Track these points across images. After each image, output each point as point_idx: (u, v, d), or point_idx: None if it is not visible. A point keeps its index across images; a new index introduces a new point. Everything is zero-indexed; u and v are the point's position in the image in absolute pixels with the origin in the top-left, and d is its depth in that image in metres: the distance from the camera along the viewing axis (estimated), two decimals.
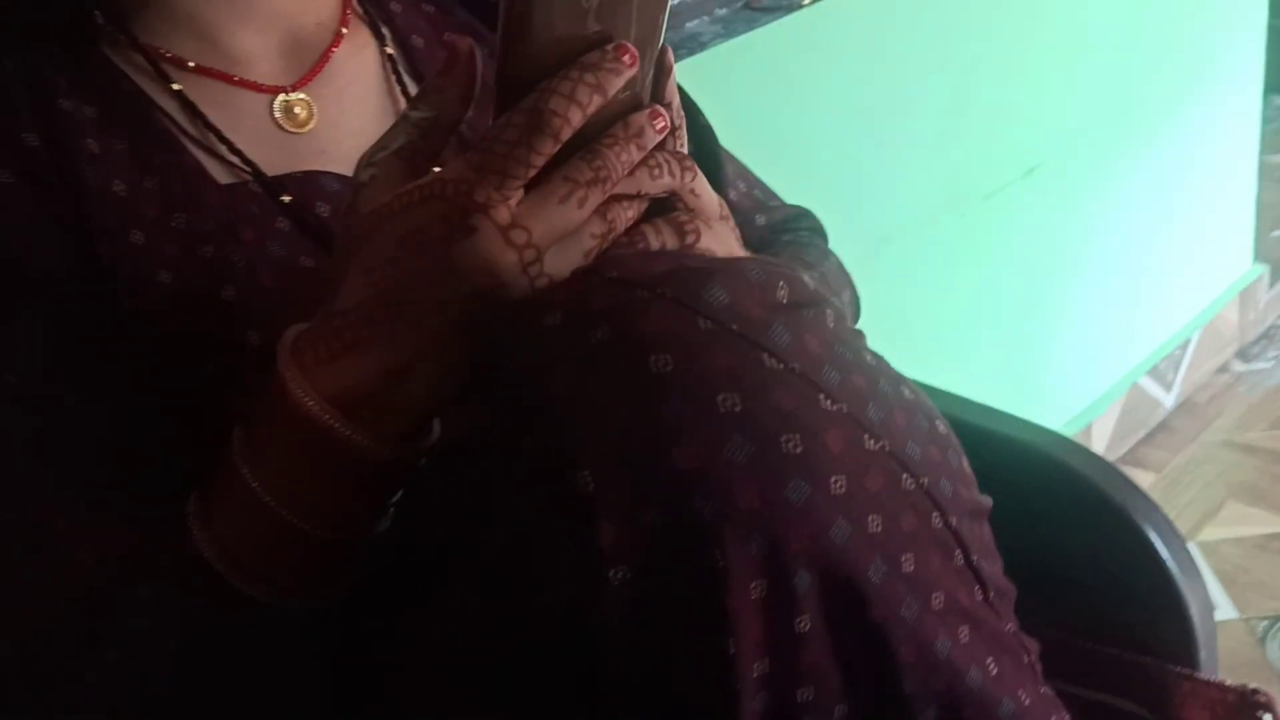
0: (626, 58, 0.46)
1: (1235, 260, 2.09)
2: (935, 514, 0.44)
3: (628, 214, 0.47)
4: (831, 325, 0.44)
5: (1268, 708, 0.72)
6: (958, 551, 0.46)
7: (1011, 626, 0.50)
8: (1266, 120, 2.96)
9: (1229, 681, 0.73)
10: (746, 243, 0.55)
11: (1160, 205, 1.86)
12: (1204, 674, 0.73)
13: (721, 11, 1.24)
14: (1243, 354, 2.13)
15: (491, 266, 0.44)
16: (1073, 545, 0.75)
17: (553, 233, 0.45)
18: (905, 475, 0.43)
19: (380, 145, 0.50)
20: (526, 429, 0.42)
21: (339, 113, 0.66)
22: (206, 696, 0.52)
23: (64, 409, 0.55)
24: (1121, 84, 1.68)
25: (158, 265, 0.58)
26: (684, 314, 0.41)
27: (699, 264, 0.43)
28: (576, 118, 0.45)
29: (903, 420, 0.44)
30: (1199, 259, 2.01)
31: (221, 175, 0.62)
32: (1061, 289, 1.71)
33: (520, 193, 0.45)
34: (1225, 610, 1.54)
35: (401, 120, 0.50)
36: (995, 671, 0.47)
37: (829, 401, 0.42)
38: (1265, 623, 1.53)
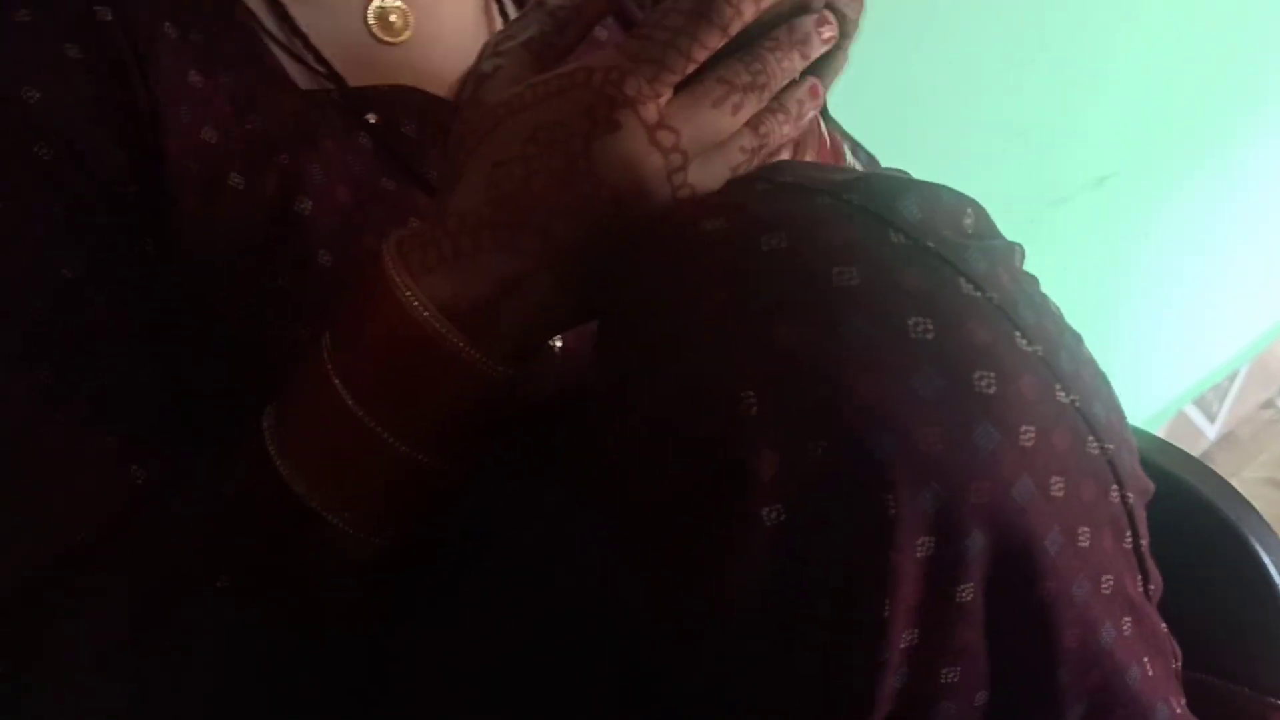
0: None
1: None
2: (1114, 487, 0.39)
3: (782, 130, 0.42)
4: (1018, 263, 0.39)
5: None
6: (1129, 533, 0.41)
7: (1164, 626, 0.45)
8: None
9: None
10: None
11: (1224, 228, 1.80)
12: None
13: None
14: None
15: (634, 168, 0.39)
16: (1177, 562, 0.70)
17: (702, 139, 0.40)
18: (1091, 438, 0.38)
19: (508, 34, 0.44)
20: (678, 346, 0.37)
21: (437, 27, 0.60)
22: (243, 636, 0.46)
23: (115, 313, 0.49)
24: (1200, 98, 1.63)
25: (229, 167, 0.53)
26: (875, 225, 0.36)
27: (888, 174, 0.38)
28: (749, 10, 0.40)
29: (1089, 377, 0.39)
30: (1257, 288, 1.95)
31: (303, 80, 0.57)
32: (1120, 304, 1.65)
33: (671, 90, 0.40)
34: None
35: (535, 8, 0.44)
36: (1151, 673, 0.42)
37: (1025, 341, 0.36)
38: None
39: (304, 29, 0.57)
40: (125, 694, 0.45)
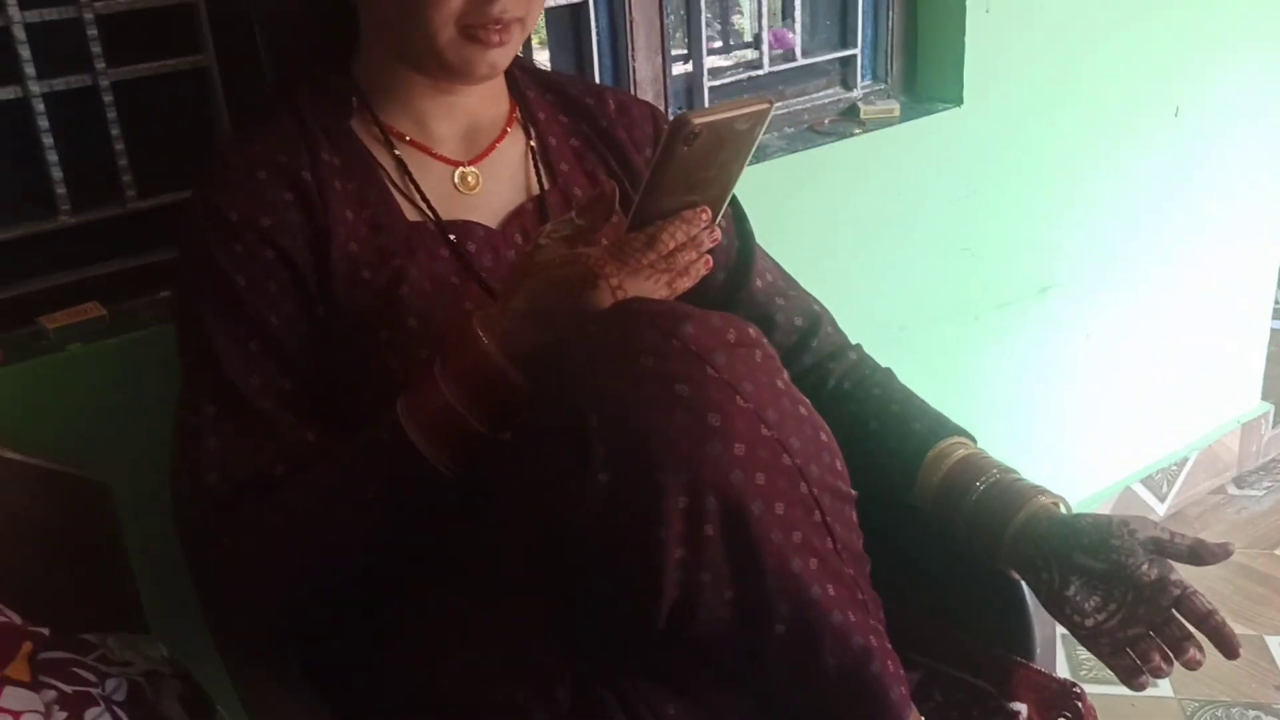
0: (704, 215, 0.79)
1: (1243, 395, 2.31)
2: (803, 483, 0.74)
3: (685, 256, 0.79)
4: (759, 360, 0.75)
5: (1080, 698, 0.99)
6: (816, 511, 0.75)
7: (851, 572, 0.78)
8: None
9: (1056, 674, 1.01)
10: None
11: (1174, 332, 2.09)
12: (1036, 665, 1.00)
13: (789, 130, 1.54)
14: (1238, 480, 2.34)
15: (599, 303, 0.77)
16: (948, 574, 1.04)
17: (639, 290, 0.78)
18: (785, 455, 0.73)
19: (553, 230, 0.82)
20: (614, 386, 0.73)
21: (495, 184, 0.99)
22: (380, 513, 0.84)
23: (300, 347, 0.89)
24: (1142, 214, 1.92)
25: (363, 265, 0.91)
26: (665, 336, 0.72)
27: (682, 309, 0.75)
28: (671, 244, 0.77)
29: (793, 424, 0.74)
30: (1207, 388, 2.22)
31: (411, 215, 0.95)
32: (1068, 394, 1.95)
33: (624, 270, 0.77)
34: (1163, 688, 1.78)
35: (567, 220, 0.82)
36: (832, 593, 0.76)
37: (741, 400, 0.72)
38: (1195, 704, 1.76)
39: (417, 182, 0.95)
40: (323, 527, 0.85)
